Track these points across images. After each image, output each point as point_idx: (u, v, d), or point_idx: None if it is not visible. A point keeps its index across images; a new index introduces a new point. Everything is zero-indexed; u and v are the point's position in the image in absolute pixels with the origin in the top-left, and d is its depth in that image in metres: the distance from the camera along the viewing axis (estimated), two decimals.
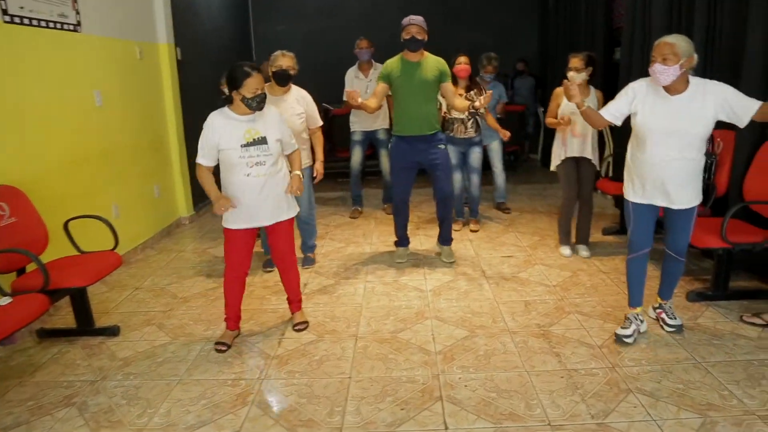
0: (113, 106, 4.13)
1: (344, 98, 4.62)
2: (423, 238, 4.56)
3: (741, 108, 2.42)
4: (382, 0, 7.48)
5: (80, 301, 3.03)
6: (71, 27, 3.66)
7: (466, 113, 4.55)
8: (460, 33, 7.41)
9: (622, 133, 4.89)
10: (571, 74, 3.69)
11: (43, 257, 3.04)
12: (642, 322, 2.82)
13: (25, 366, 2.77)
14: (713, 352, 2.64)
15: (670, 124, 2.49)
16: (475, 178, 4.76)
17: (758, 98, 2.46)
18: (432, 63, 3.64)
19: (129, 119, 4.38)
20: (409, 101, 3.64)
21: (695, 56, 2.43)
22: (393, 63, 3.67)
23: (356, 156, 5.19)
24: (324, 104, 6.69)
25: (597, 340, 2.81)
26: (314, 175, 3.83)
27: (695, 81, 2.50)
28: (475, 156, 4.69)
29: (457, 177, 4.74)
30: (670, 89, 2.48)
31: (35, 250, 2.99)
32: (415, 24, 3.53)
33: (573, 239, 4.14)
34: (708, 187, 3.47)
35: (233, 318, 2.94)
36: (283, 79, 3.60)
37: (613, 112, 2.65)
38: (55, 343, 2.99)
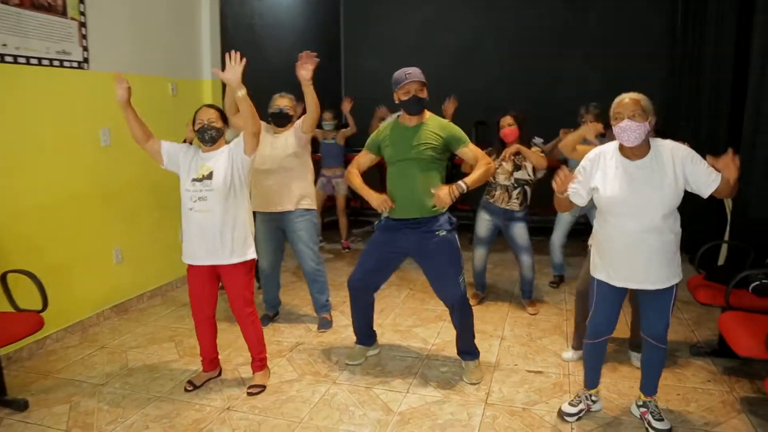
0: (127, 146, 3.91)
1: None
2: (445, 327, 3.62)
3: (702, 182, 2.14)
4: (479, 39, 6.65)
5: None
6: (75, 64, 3.52)
7: (512, 180, 3.65)
8: (568, 69, 6.29)
9: (742, 223, 3.58)
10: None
11: None
12: (595, 402, 2.58)
13: None
14: None
15: (635, 193, 2.18)
16: (527, 258, 3.84)
17: None
18: (433, 128, 2.77)
19: (151, 158, 4.16)
20: (401, 176, 2.80)
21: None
22: (385, 128, 2.92)
23: None
24: None
25: None
26: None
27: (656, 143, 2.22)
28: (520, 232, 3.81)
29: (479, 253, 3.90)
30: (632, 153, 2.20)
31: None
32: (415, 80, 2.69)
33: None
34: None
35: (206, 359, 2.92)
36: (280, 118, 3.45)
37: (571, 192, 2.32)
38: None
